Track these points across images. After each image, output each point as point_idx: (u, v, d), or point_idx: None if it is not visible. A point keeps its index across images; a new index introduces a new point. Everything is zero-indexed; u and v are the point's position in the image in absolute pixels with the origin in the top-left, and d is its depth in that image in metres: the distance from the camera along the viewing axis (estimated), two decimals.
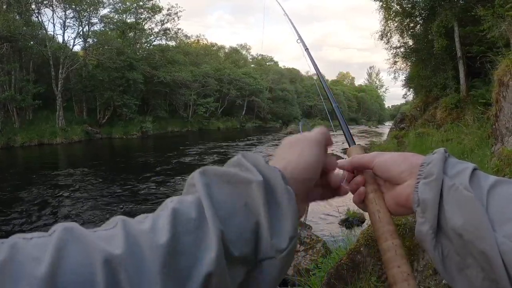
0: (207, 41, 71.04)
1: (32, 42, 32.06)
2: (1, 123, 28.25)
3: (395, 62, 26.74)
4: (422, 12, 23.04)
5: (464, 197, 0.60)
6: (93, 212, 10.36)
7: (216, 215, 0.51)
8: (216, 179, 0.57)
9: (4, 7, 30.55)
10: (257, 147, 28.43)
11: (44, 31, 35.21)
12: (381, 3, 24.27)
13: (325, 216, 9.83)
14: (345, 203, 10.19)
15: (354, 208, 9.49)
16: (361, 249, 4.51)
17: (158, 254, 0.44)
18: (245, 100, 57.19)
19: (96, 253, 0.41)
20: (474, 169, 0.65)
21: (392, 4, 23.99)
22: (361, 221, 9.05)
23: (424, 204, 0.65)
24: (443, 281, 4.61)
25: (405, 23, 24.24)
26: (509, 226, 0.54)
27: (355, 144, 0.99)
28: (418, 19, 24.11)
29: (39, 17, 34.60)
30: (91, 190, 12.86)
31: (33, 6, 33.94)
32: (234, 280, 0.51)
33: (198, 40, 66.27)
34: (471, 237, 0.58)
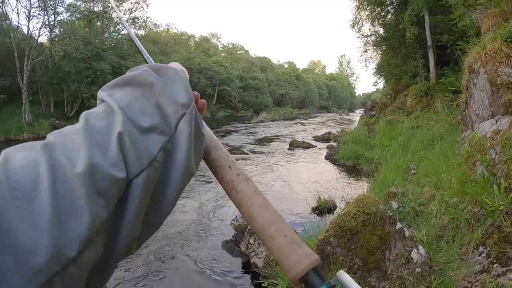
0: (177, 30, 70.59)
1: None
2: None
3: (365, 51, 27.03)
4: (394, 1, 23.28)
5: None
6: None
7: (118, 103, 0.64)
8: (114, 86, 0.70)
9: None
10: (230, 135, 28.29)
11: (8, 21, 34.21)
12: None
13: (296, 205, 9.76)
14: (317, 190, 10.15)
15: (325, 196, 9.47)
16: (331, 239, 4.42)
17: (79, 134, 0.58)
18: (215, 89, 56.95)
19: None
20: None
21: None
22: (333, 209, 9.04)
23: None
24: (416, 270, 4.58)
25: (376, 12, 24.49)
26: None
27: None
28: (389, 8, 24.38)
29: (2, 7, 33.63)
30: None
31: None
32: (152, 145, 0.62)
33: (168, 29, 65.71)
34: None
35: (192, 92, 0.81)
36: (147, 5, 44.57)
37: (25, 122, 30.50)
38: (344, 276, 0.68)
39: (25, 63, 31.51)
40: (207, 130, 0.90)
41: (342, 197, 9.27)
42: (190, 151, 0.68)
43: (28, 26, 35.33)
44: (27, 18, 34.12)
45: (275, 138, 26.57)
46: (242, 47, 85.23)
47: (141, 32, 49.06)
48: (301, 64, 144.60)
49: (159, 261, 6.81)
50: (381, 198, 6.29)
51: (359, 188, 10.87)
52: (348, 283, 0.67)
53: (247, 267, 6.38)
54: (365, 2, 24.15)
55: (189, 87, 0.78)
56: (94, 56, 35.71)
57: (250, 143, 23.36)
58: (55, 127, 30.91)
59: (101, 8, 42.57)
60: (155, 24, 54.26)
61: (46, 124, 31.49)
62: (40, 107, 34.84)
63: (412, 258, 4.36)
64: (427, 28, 19.52)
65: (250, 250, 6.40)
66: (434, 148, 10.47)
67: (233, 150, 20.36)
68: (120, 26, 44.42)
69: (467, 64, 8.25)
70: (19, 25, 36.86)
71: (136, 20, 45.78)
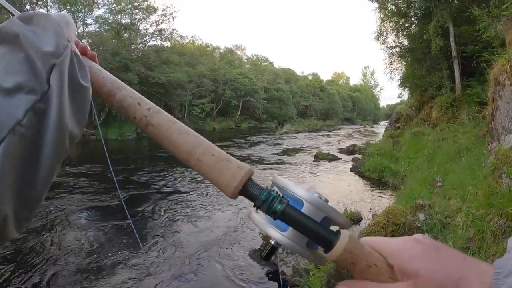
0: (202, 41, 71.03)
1: None
2: None
3: (391, 63, 26.85)
4: (417, 12, 23.17)
5: None
6: (87, 214, 10.30)
7: None
8: None
9: None
10: (253, 146, 28.36)
11: None
12: (378, 4, 24.41)
13: None
14: (343, 202, 10.22)
15: (351, 207, 9.50)
16: None
17: None
18: (240, 101, 57.13)
19: None
20: None
21: (388, 4, 24.12)
22: (359, 220, 9.07)
23: None
24: None
25: (400, 23, 24.38)
26: None
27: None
28: (413, 19, 24.24)
29: None
30: (86, 191, 12.79)
31: (27, 7, 33.89)
32: (17, 108, 0.53)
33: (193, 41, 66.19)
34: None
35: (76, 39, 0.75)
36: (173, 18, 45.00)
37: None
38: (280, 179, 0.70)
39: None
40: (104, 73, 0.87)
41: (370, 209, 9.35)
42: (63, 108, 0.61)
43: None
44: None
45: (300, 149, 26.52)
46: (267, 58, 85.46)
47: (167, 43, 49.59)
48: (325, 75, 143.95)
49: (187, 267, 6.95)
50: (408, 210, 6.36)
51: (385, 200, 10.90)
52: (284, 185, 0.67)
53: (275, 276, 6.46)
54: (389, 14, 24.10)
55: (63, 34, 0.69)
56: (122, 66, 36.33)
57: (275, 155, 23.39)
58: (82, 135, 31.27)
59: (129, 21, 43.23)
60: (181, 36, 54.79)
61: None
62: None
63: None
64: (451, 39, 19.38)
65: (279, 259, 6.50)
66: (460, 160, 10.42)
67: (259, 160, 20.49)
68: (147, 37, 45.04)
69: (492, 76, 8.25)
70: None
71: (162, 32, 46.25)
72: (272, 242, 0.65)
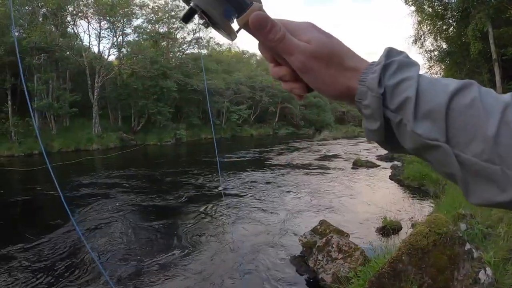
0: (238, 48, 71.35)
1: (68, 53, 33.01)
2: (39, 130, 28.97)
3: (430, 67, 26.40)
4: (455, 13, 22.75)
5: (416, 137, 0.60)
6: (129, 219, 10.48)
7: None
8: None
9: (40, 19, 31.50)
10: (291, 153, 28.36)
11: (80, 42, 36.28)
12: (415, 7, 24.10)
13: (362, 224, 9.80)
14: (382, 210, 10.17)
15: (390, 216, 9.46)
16: (403, 257, 4.53)
17: None
18: (277, 107, 57.19)
19: None
20: (418, 88, 0.60)
21: (424, 6, 23.76)
22: (398, 229, 9.00)
23: (374, 139, 0.69)
24: None
25: (438, 26, 23.96)
26: (476, 145, 0.55)
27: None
28: (450, 21, 23.82)
29: (74, 28, 35.75)
30: (127, 195, 13.02)
31: (68, 18, 35.07)
32: None
33: (230, 48, 66.60)
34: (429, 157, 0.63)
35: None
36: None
37: (95, 134, 31.98)
38: None
39: (95, 80, 33.02)
40: None
41: (411, 218, 9.28)
42: None
43: (98, 46, 37.01)
44: (97, 39, 35.98)
45: (338, 156, 26.37)
46: None
47: (205, 51, 50.03)
48: None
49: (226, 272, 7.05)
50: (449, 220, 6.32)
51: (425, 209, 10.79)
52: None
53: (315, 283, 6.49)
54: (426, 17, 23.76)
55: None
56: (160, 74, 37.03)
57: (314, 161, 23.37)
58: (122, 140, 32.07)
59: (166, 30, 43.89)
60: (217, 44, 55.20)
61: (114, 137, 32.80)
62: (109, 121, 36.23)
63: (479, 279, 4.41)
64: (491, 41, 18.93)
65: (318, 266, 6.53)
66: None
67: (299, 166, 20.55)
68: (184, 46, 45.61)
69: None
70: (90, 45, 38.68)
71: (199, 40, 46.69)
72: (191, 4, 0.67)
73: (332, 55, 0.67)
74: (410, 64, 0.64)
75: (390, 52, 0.65)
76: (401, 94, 0.60)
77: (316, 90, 0.71)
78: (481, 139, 0.54)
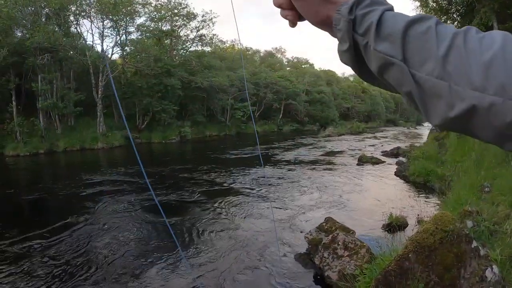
0: (242, 45, 71.25)
1: (72, 52, 32.93)
2: (44, 129, 29.14)
3: None
4: (459, 8, 22.63)
5: (380, 57, 0.69)
6: (130, 216, 10.51)
7: None
8: None
9: (43, 19, 31.57)
10: (296, 149, 28.33)
11: (83, 41, 36.31)
12: (419, 3, 23.98)
13: (368, 221, 9.79)
14: (388, 207, 10.14)
15: (396, 212, 9.42)
16: (410, 255, 4.53)
17: None
18: (282, 103, 57.13)
19: None
20: (382, 15, 0.70)
21: (429, 1, 23.64)
22: (404, 226, 8.98)
23: (347, 63, 0.78)
24: None
25: (442, 20, 23.80)
26: (429, 65, 0.62)
27: None
28: (455, 15, 23.68)
29: (77, 28, 35.61)
30: (129, 194, 13.06)
31: (71, 18, 35.00)
32: None
33: (233, 45, 66.57)
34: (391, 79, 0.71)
35: None
36: (213, 23, 45.37)
37: (100, 133, 32.06)
38: None
39: (99, 79, 33.11)
40: None
41: (417, 214, 9.24)
42: None
43: (102, 45, 36.99)
44: (100, 38, 35.92)
45: (343, 152, 26.36)
46: (307, 60, 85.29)
47: (208, 48, 50.06)
48: None
49: (232, 268, 7.06)
50: (456, 217, 6.29)
51: (431, 206, 10.75)
52: None
53: (321, 280, 6.50)
54: (430, 12, 23.64)
55: None
56: (164, 72, 37.03)
57: (319, 157, 23.39)
58: (127, 139, 32.11)
59: (169, 27, 43.92)
60: (221, 41, 55.23)
61: (119, 135, 32.84)
62: (113, 119, 36.24)
63: (486, 277, 4.38)
64: None
65: (324, 264, 6.52)
66: (509, 164, 10.19)
67: (304, 163, 20.56)
68: (188, 43, 45.70)
69: None
70: (94, 44, 38.74)
71: (203, 37, 46.73)
72: None
73: None
74: (382, 2, 0.73)
75: None
76: (367, 21, 0.70)
77: (303, 16, 0.84)
78: (433, 59, 0.62)
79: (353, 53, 0.74)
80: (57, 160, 25.27)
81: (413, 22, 0.66)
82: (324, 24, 0.80)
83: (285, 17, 0.88)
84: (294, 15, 0.86)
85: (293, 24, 0.89)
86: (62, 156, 26.75)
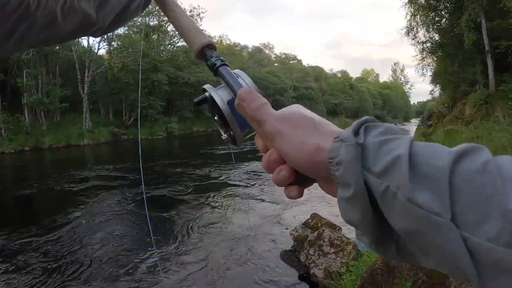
0: (230, 41, 71.32)
1: (57, 47, 32.57)
2: (29, 125, 28.87)
3: (422, 58, 26.38)
4: (447, 5, 22.70)
5: (413, 209, 0.43)
6: (118, 213, 10.39)
7: None
8: None
9: None
10: None
11: None
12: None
13: None
14: None
15: None
16: None
17: None
18: (269, 99, 56.72)
19: None
20: (411, 146, 0.46)
21: None
22: None
23: (352, 223, 0.52)
24: None
25: (431, 17, 23.91)
26: (490, 224, 0.39)
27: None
28: (443, 12, 23.76)
29: None
30: (116, 191, 12.94)
31: None
32: None
33: (221, 40, 66.47)
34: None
35: None
36: (200, 18, 45.33)
37: (86, 129, 31.81)
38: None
39: (85, 74, 32.87)
40: None
41: None
42: None
43: (88, 40, 36.77)
44: None
45: None
46: (295, 56, 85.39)
47: None
48: (354, 73, 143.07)
49: (216, 270, 6.94)
50: None
51: None
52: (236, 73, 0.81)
53: (306, 278, 6.40)
54: (420, 8, 23.69)
55: None
56: (151, 67, 36.80)
57: None
58: (114, 135, 32.00)
59: (157, 22, 43.78)
60: (209, 36, 54.98)
61: (105, 131, 32.67)
62: (100, 115, 36.13)
63: None
64: (484, 33, 18.83)
65: (310, 261, 6.42)
66: None
67: None
68: (175, 38, 45.57)
69: None
70: (80, 39, 38.52)
71: None
72: (206, 95, 0.80)
73: (302, 118, 0.62)
74: (398, 131, 0.51)
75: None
76: (389, 154, 0.46)
77: (285, 157, 0.61)
78: (498, 216, 0.39)
79: (363, 199, 0.47)
80: (43, 157, 25.03)
81: (462, 155, 0.43)
82: (312, 160, 0.55)
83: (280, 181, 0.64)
84: (289, 171, 0.62)
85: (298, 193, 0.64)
86: (47, 153, 26.50)
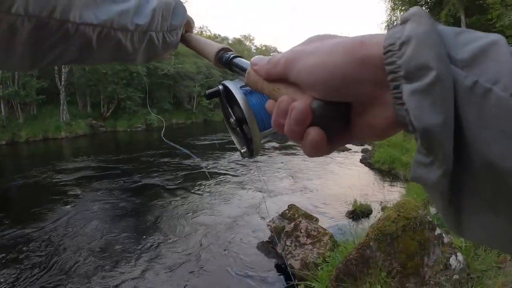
0: (210, 32, 71.07)
1: None
2: (5, 118, 28.38)
3: None
4: (428, 0, 22.91)
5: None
6: (99, 206, 10.31)
7: None
8: None
9: None
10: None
11: None
12: None
13: (332, 208, 9.77)
14: (352, 194, 10.12)
15: (360, 200, 9.43)
16: (371, 243, 4.44)
17: None
18: None
19: None
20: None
21: None
22: (368, 213, 9.01)
23: (428, 136, 0.35)
24: (454, 277, 4.55)
25: None
26: None
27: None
28: (424, 7, 23.96)
29: None
30: (96, 184, 12.82)
31: None
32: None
33: (201, 32, 66.21)
34: None
35: None
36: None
37: (63, 122, 31.30)
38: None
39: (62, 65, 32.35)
40: None
41: (381, 201, 9.26)
42: None
43: None
44: None
45: None
46: (276, 48, 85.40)
47: None
48: None
49: (193, 260, 6.93)
50: (420, 204, 6.25)
51: (395, 193, 10.82)
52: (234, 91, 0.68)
53: (283, 268, 6.42)
54: (400, 3, 23.86)
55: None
56: None
57: (284, 145, 23.38)
58: (92, 127, 31.63)
59: None
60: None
61: (83, 124, 32.18)
62: (77, 107, 35.60)
63: (450, 265, 4.34)
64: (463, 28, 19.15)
65: (287, 252, 6.44)
66: None
67: (263, 151, 20.40)
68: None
69: None
70: None
71: None
72: (220, 87, 0.72)
73: (327, 34, 0.47)
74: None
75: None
76: (475, 41, 0.35)
77: (311, 75, 0.44)
78: None
79: (451, 95, 0.33)
80: (20, 151, 24.60)
81: None
82: (357, 65, 0.40)
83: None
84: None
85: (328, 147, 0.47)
86: (25, 147, 26.04)
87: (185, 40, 1.14)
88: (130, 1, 0.82)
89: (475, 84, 0.32)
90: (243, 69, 0.72)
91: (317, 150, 0.46)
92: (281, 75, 0.50)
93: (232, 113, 0.68)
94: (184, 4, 1.07)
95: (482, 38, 0.35)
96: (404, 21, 0.40)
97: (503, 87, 0.30)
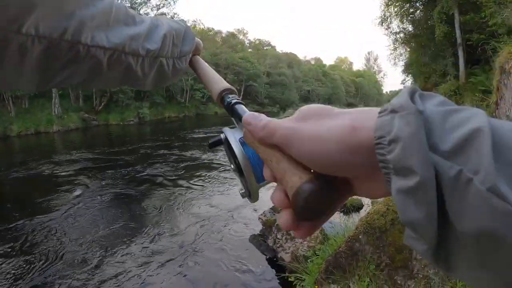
0: (203, 25, 70.79)
1: None
2: None
3: (395, 48, 26.68)
4: None
5: (496, 202, 0.30)
6: (93, 200, 10.30)
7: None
8: None
9: None
10: None
11: None
12: None
13: None
14: None
15: None
16: (360, 237, 4.48)
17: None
18: (242, 85, 57.06)
19: None
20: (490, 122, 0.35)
21: None
22: (359, 207, 9.06)
23: (412, 227, 0.37)
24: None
25: (405, 8, 24.14)
26: None
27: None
28: (418, 4, 24.01)
29: None
30: (88, 178, 12.80)
31: None
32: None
33: (195, 25, 65.90)
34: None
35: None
36: (174, 2, 44.78)
37: (55, 115, 31.13)
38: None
39: None
40: None
41: None
42: None
43: None
44: None
45: None
46: (269, 43, 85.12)
47: None
48: (328, 60, 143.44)
49: (185, 253, 6.95)
50: None
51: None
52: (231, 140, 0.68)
53: (274, 261, 6.47)
54: (393, 1, 23.91)
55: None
56: None
57: None
58: (84, 121, 31.50)
59: (129, 5, 43.05)
60: (182, 20, 54.52)
61: (75, 117, 32.08)
62: (70, 101, 35.41)
63: None
64: (456, 26, 19.14)
65: (278, 245, 6.48)
66: None
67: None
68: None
69: (498, 64, 8.15)
70: None
71: (164, 16, 46.12)
72: (221, 136, 0.74)
73: (322, 107, 0.50)
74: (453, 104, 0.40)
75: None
76: (461, 127, 0.35)
77: (308, 160, 0.47)
78: None
79: (434, 196, 0.34)
80: (12, 145, 24.46)
81: None
82: (345, 149, 0.43)
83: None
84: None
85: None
86: (16, 141, 25.90)
87: (192, 63, 1.14)
88: (142, 25, 0.82)
89: (460, 173, 0.33)
90: (236, 115, 0.77)
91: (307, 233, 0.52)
92: (276, 144, 0.52)
93: (232, 160, 0.69)
94: (193, 32, 1.12)
95: (469, 121, 0.35)
96: (393, 111, 0.40)
97: (481, 180, 0.31)
